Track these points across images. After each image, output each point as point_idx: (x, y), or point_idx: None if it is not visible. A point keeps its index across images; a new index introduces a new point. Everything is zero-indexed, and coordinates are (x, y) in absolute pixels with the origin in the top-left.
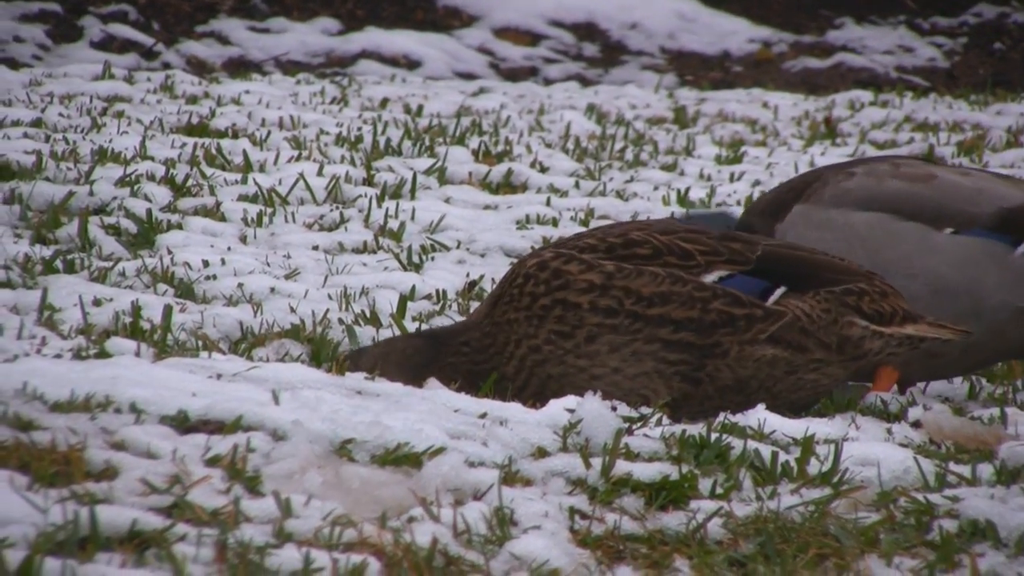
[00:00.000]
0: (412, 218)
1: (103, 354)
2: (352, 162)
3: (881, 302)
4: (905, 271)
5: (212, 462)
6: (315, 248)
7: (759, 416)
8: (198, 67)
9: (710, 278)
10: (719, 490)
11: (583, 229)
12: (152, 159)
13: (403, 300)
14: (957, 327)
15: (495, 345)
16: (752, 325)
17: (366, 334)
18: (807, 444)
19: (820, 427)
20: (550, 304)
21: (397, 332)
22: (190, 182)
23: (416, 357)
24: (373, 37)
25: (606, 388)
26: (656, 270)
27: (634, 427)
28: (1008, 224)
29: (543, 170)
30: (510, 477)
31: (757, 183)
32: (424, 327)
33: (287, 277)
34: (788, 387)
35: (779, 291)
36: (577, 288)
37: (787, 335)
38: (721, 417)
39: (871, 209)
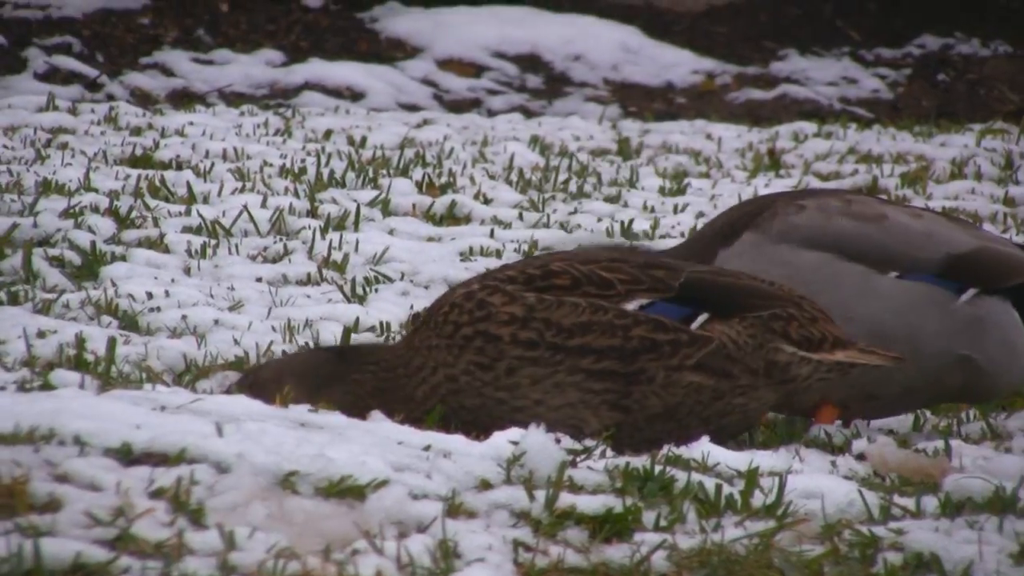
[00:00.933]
0: (356, 250)
1: (47, 386)
2: (296, 194)
3: (810, 327)
4: (844, 314)
5: (156, 494)
6: (259, 280)
7: (703, 448)
8: (142, 98)
9: (631, 306)
10: (663, 522)
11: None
12: (96, 191)
13: (347, 332)
14: (888, 353)
15: (408, 368)
16: (678, 350)
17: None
18: (751, 476)
19: (764, 459)
20: (471, 334)
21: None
22: (134, 214)
23: (319, 370)
24: (316, 69)
25: (528, 420)
26: (577, 300)
27: (578, 459)
28: (954, 271)
29: (487, 201)
30: (454, 509)
31: (701, 214)
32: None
33: (231, 309)
34: (717, 412)
35: (702, 317)
36: (499, 320)
37: (713, 362)
38: (665, 449)
39: (817, 248)
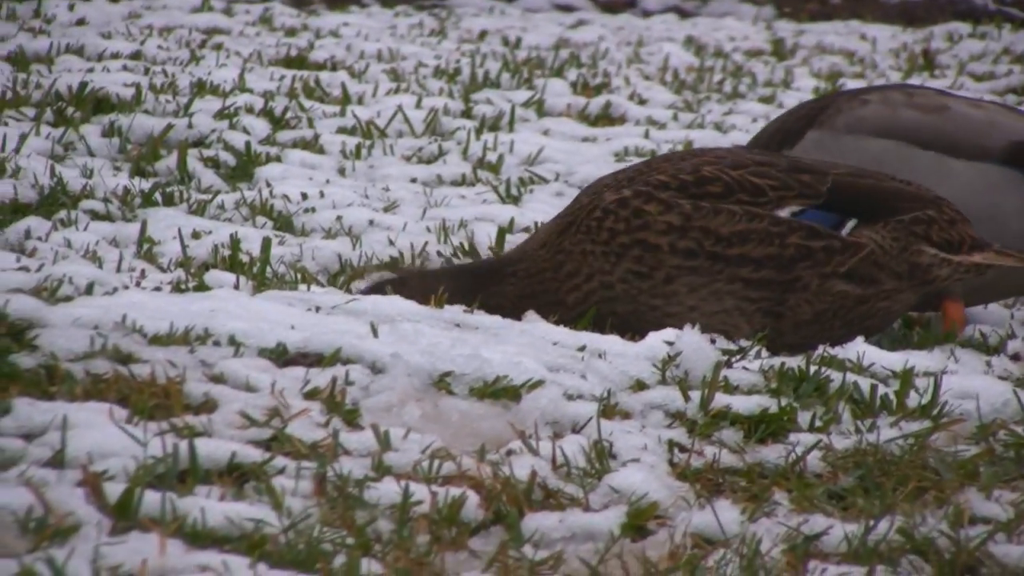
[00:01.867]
0: (511, 150)
1: (202, 287)
2: (451, 94)
3: (949, 230)
4: None
5: (311, 395)
6: (413, 181)
7: (858, 349)
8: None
9: (784, 213)
10: (818, 423)
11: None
12: (251, 92)
13: (501, 232)
14: (1019, 254)
15: (558, 273)
16: (831, 257)
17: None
18: (906, 377)
19: (919, 360)
20: (629, 243)
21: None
22: (288, 114)
23: (463, 280)
24: None
25: (681, 326)
26: (732, 208)
27: (733, 360)
28: (1018, 157)
29: (642, 102)
30: (609, 410)
31: None
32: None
33: (386, 210)
34: (861, 315)
35: (851, 223)
36: (656, 229)
37: (862, 268)
38: (820, 350)
39: (886, 137)
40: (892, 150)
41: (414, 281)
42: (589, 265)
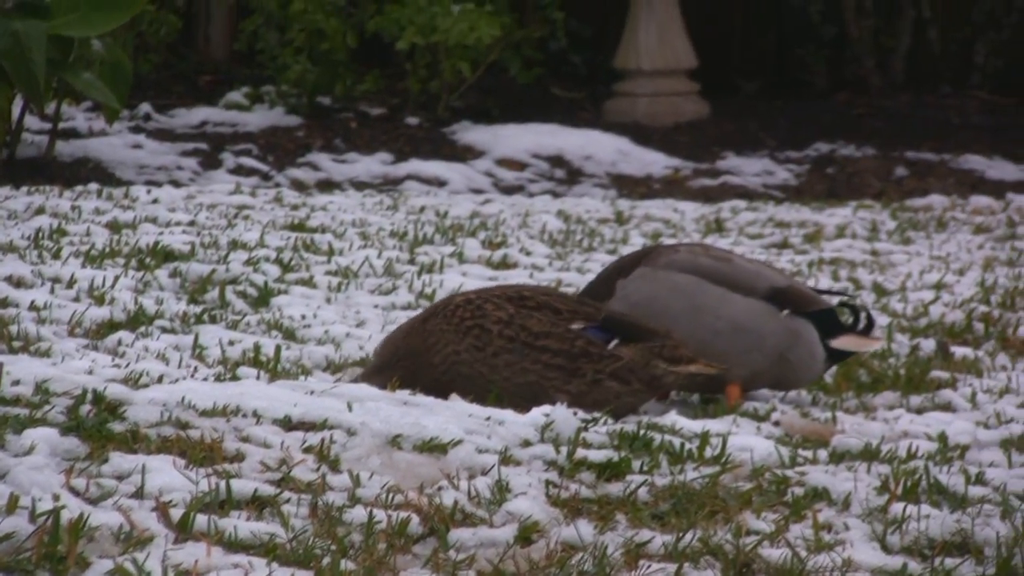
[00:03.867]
0: (441, 286)
1: (235, 378)
2: (401, 249)
3: (675, 351)
4: (714, 313)
5: (307, 450)
6: (376, 306)
7: (672, 419)
8: (298, 186)
9: (575, 326)
10: (645, 467)
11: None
12: (267, 247)
13: None
14: (717, 364)
15: (426, 343)
16: (602, 359)
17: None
18: (704, 437)
19: (713, 425)
20: (472, 326)
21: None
22: (293, 262)
23: (385, 361)
24: (415, 165)
25: (501, 387)
26: (541, 316)
27: (589, 426)
28: (775, 297)
29: (528, 254)
30: (506, 459)
31: None
32: None
33: (357, 326)
34: (615, 400)
35: (615, 341)
36: (491, 319)
37: (621, 372)
38: (646, 418)
39: (690, 273)
40: (693, 282)
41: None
42: (446, 338)
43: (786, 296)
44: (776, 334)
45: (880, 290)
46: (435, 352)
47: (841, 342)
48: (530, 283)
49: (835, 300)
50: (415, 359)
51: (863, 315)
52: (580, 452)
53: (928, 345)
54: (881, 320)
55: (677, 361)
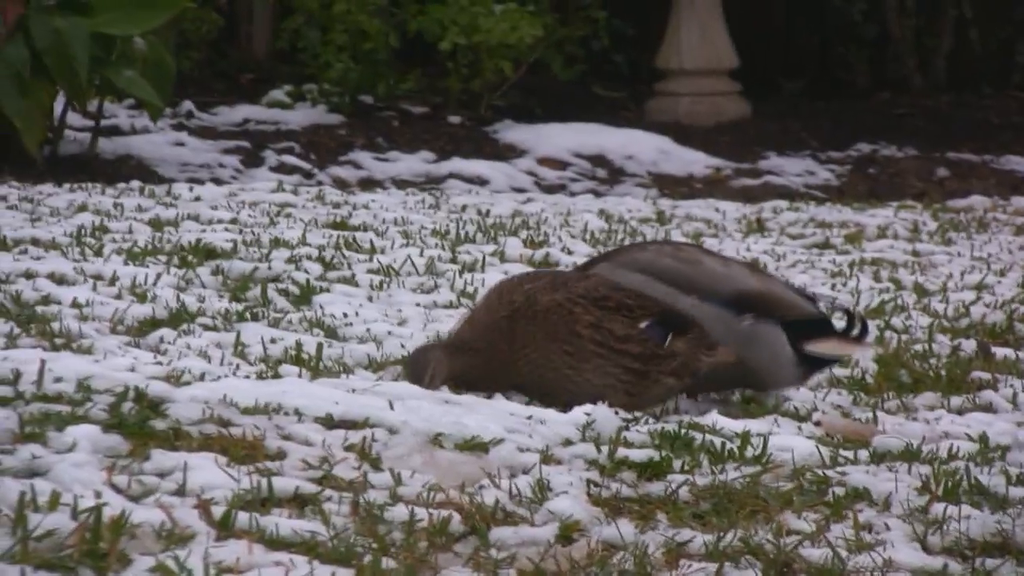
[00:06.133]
0: (483, 284)
1: (276, 376)
2: (443, 247)
3: (707, 338)
4: None
5: (349, 448)
6: (418, 305)
7: (713, 418)
8: (340, 184)
9: (642, 325)
10: (686, 467)
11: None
12: (309, 245)
13: None
14: (731, 351)
15: (513, 346)
16: (663, 361)
17: None
18: (745, 436)
19: (753, 425)
20: (565, 333)
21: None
22: (335, 260)
23: (435, 357)
24: (457, 164)
25: (577, 390)
26: (621, 317)
27: (630, 425)
28: (740, 302)
29: (569, 253)
30: (547, 458)
31: None
32: None
33: (399, 324)
34: (668, 395)
35: (670, 336)
36: (582, 324)
37: (677, 369)
38: (686, 418)
39: (644, 274)
40: (642, 283)
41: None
42: (535, 343)
43: (754, 301)
44: (725, 339)
45: (921, 291)
46: (521, 356)
47: (816, 346)
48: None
49: (833, 306)
50: (494, 357)
51: (857, 321)
52: (621, 451)
53: (969, 346)
54: (922, 321)
55: (710, 348)
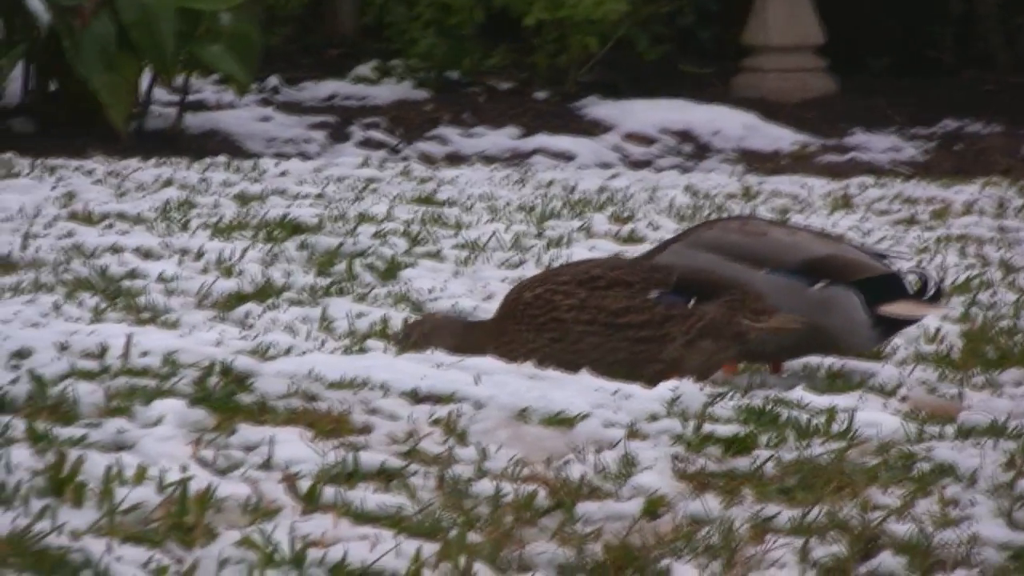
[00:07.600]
0: (569, 260)
1: (362, 351)
2: (529, 223)
3: (754, 304)
4: None
5: (435, 423)
6: (504, 280)
7: (799, 394)
8: (427, 160)
9: (651, 295)
10: (772, 443)
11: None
12: (396, 220)
13: None
14: (798, 319)
15: (507, 352)
16: (687, 319)
17: None
18: (831, 412)
19: (839, 400)
20: (545, 321)
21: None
22: (421, 236)
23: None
24: (542, 140)
25: (594, 371)
26: (615, 293)
27: (716, 401)
28: (808, 269)
29: (655, 228)
30: (632, 434)
31: None
32: None
33: (485, 299)
34: (704, 358)
35: (692, 301)
36: (562, 309)
37: (709, 329)
38: (772, 393)
39: (713, 252)
40: (712, 261)
41: (440, 322)
42: (522, 338)
43: (823, 266)
44: (799, 307)
45: (1007, 267)
46: (515, 356)
47: (890, 308)
48: (598, 257)
49: (907, 270)
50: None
51: (931, 283)
52: (707, 427)
53: None
54: (1008, 297)
55: (759, 313)
